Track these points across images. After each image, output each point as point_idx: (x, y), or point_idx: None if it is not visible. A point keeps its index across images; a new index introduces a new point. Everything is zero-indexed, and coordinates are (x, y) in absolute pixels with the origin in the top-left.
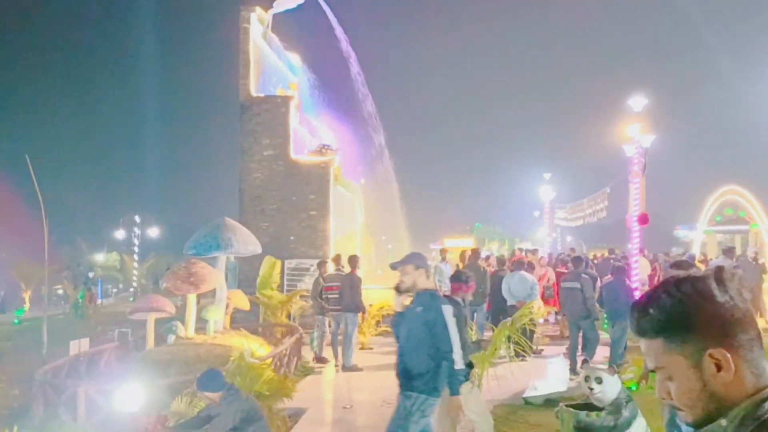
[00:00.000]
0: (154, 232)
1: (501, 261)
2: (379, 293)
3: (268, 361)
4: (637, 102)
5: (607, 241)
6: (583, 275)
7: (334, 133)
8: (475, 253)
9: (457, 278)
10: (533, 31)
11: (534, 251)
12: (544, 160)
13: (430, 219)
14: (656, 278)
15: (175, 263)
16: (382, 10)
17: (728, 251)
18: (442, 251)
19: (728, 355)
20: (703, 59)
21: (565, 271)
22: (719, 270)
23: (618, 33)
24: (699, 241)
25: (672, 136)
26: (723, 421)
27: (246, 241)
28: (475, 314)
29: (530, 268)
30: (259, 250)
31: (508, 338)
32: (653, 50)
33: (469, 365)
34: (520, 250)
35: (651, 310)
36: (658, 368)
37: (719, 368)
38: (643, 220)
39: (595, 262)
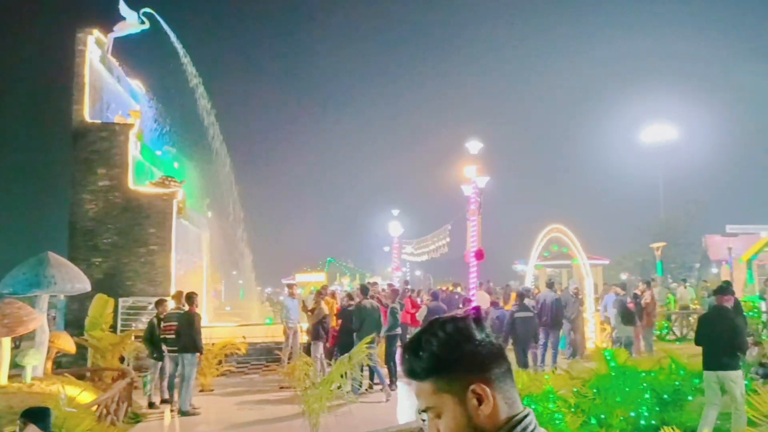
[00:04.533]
0: None
1: (350, 296)
2: (225, 331)
3: (92, 408)
4: (474, 146)
5: (452, 275)
6: (531, 307)
7: (179, 164)
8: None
9: None
10: (380, 72)
11: (390, 286)
12: (393, 196)
13: (283, 254)
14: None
15: None
16: (232, 38)
17: (550, 285)
18: (289, 286)
19: (488, 390)
20: (533, 109)
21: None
22: (476, 311)
23: (459, 81)
24: (531, 274)
25: (508, 177)
26: None
27: (72, 279)
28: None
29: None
30: (88, 288)
31: (345, 374)
32: (491, 96)
33: None
34: (370, 283)
35: (421, 353)
36: (428, 408)
37: (480, 402)
38: (479, 255)
39: (445, 295)
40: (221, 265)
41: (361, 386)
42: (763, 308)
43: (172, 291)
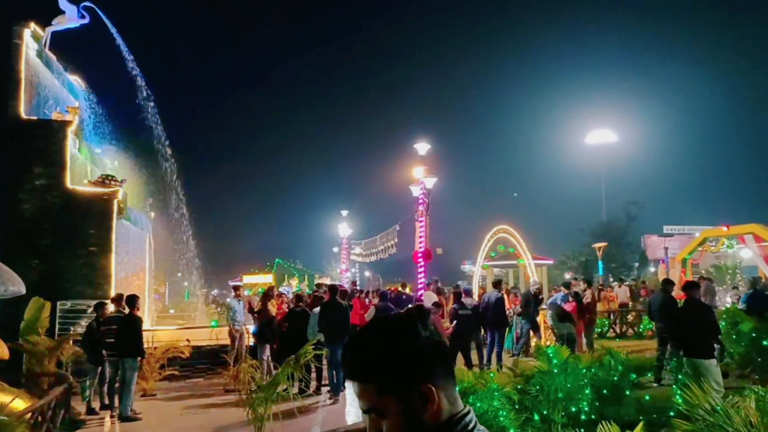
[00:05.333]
0: None
1: (299, 298)
2: (169, 334)
3: (26, 416)
4: (422, 147)
5: (401, 276)
6: (473, 304)
7: (120, 163)
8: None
9: None
10: (329, 72)
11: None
12: (342, 197)
13: (230, 255)
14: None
15: None
16: (177, 34)
17: (496, 284)
18: (235, 288)
19: (432, 389)
20: (481, 112)
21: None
22: (420, 308)
23: (409, 82)
24: (478, 274)
25: (457, 178)
26: None
27: (6, 281)
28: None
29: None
30: (23, 290)
31: (291, 376)
32: (440, 99)
33: None
34: (319, 285)
35: (364, 352)
36: (370, 409)
37: (425, 401)
38: (427, 255)
39: (393, 295)
40: (165, 266)
41: (308, 388)
42: None
43: (113, 294)
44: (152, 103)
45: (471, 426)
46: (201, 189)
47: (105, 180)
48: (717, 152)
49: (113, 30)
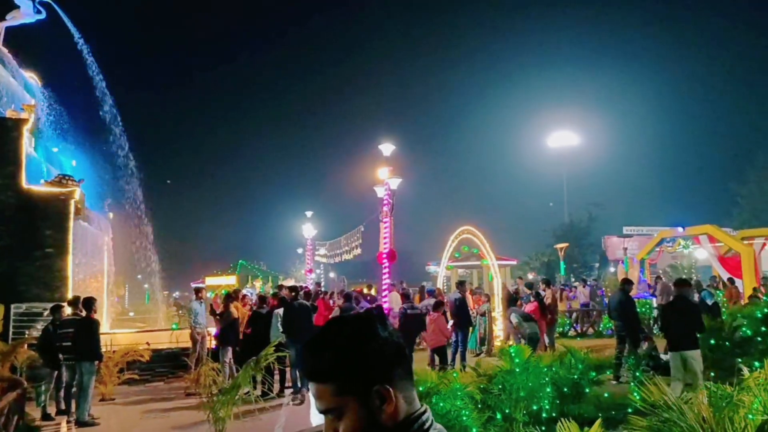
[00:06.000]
0: None
1: (263, 299)
2: (128, 337)
3: None
4: (386, 148)
5: (366, 277)
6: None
7: (78, 162)
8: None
9: None
10: (294, 73)
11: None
12: (307, 198)
13: (192, 256)
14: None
15: None
16: (136, 32)
17: (460, 285)
18: (196, 290)
19: (390, 389)
20: (445, 114)
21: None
22: (379, 308)
23: (374, 83)
24: (442, 275)
25: (422, 179)
26: None
27: None
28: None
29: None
30: None
31: (254, 378)
32: (404, 100)
33: None
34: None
35: (323, 353)
36: (329, 410)
37: (383, 402)
38: (392, 256)
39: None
40: (125, 268)
41: (271, 391)
42: (654, 304)
43: (70, 296)
44: (111, 101)
45: (427, 425)
46: (163, 189)
47: (62, 180)
48: (675, 155)
49: (71, 26)
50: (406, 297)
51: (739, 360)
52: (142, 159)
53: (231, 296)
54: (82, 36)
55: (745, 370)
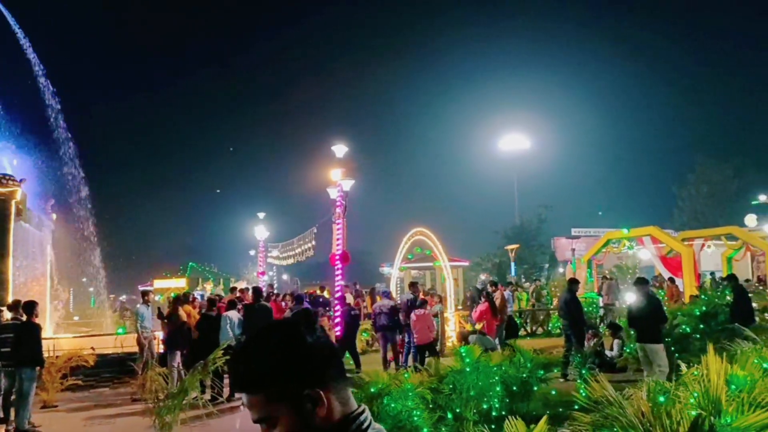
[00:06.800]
0: None
1: (212, 302)
2: (72, 342)
3: None
4: (339, 149)
5: (320, 278)
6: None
7: (19, 161)
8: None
9: None
10: (245, 72)
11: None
12: (259, 199)
13: (140, 258)
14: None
15: None
16: (80, 22)
17: (412, 286)
18: (143, 293)
19: (321, 392)
20: (398, 116)
21: None
22: (306, 312)
23: (326, 85)
24: (395, 276)
25: (375, 181)
26: None
27: None
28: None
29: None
30: None
31: (201, 383)
32: (357, 101)
33: None
34: (235, 288)
35: (250, 364)
36: (262, 419)
37: (315, 405)
38: (345, 258)
39: (310, 298)
40: (69, 271)
41: (221, 395)
42: (601, 303)
43: (9, 300)
44: (55, 99)
45: (365, 425)
46: (109, 189)
47: (2, 179)
48: (621, 160)
49: (11, 20)
50: (358, 295)
51: (677, 356)
52: (89, 158)
53: (179, 299)
54: (24, 30)
55: (683, 367)
